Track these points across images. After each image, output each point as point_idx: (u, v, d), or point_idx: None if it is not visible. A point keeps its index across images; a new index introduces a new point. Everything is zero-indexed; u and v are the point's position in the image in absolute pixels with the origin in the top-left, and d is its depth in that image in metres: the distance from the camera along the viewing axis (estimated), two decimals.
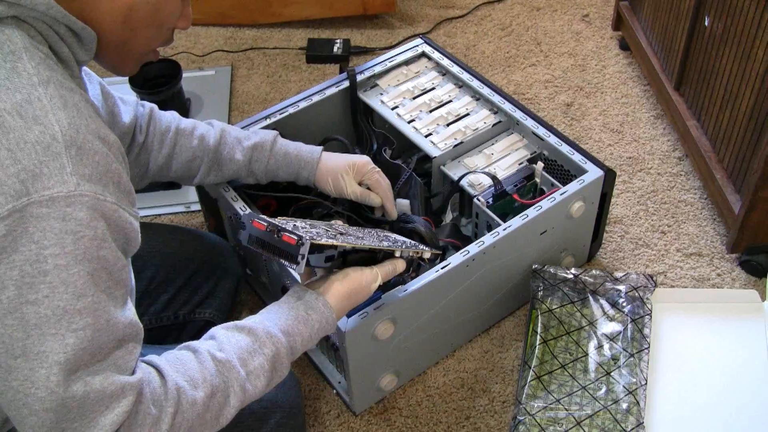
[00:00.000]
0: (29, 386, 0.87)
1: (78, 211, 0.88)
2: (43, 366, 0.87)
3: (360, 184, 1.49)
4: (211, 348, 1.05)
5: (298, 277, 1.35)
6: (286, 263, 1.10)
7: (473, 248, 1.44)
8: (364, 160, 1.50)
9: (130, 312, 0.97)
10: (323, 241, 1.12)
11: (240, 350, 1.06)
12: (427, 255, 1.34)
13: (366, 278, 1.19)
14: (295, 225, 1.14)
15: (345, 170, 1.48)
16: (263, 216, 1.14)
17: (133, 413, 0.93)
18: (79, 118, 0.93)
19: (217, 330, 1.09)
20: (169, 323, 1.52)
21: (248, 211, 1.48)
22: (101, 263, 0.91)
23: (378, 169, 1.50)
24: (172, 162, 1.45)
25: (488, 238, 1.46)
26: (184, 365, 1.02)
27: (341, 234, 1.20)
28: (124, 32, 1.04)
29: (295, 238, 1.09)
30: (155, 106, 1.47)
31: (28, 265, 0.86)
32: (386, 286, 1.41)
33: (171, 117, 1.47)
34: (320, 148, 1.51)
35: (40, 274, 0.86)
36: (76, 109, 0.93)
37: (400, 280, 1.45)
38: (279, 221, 1.14)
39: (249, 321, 1.11)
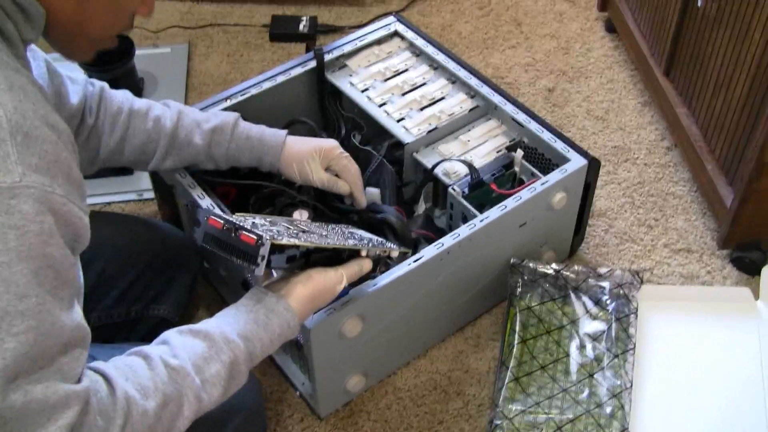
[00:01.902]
0: None
1: (23, 203, 0.87)
2: None
3: (327, 170, 1.49)
4: (163, 354, 1.04)
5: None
6: (245, 264, 1.09)
7: (448, 240, 1.45)
8: (331, 144, 1.49)
9: (77, 315, 0.95)
10: (284, 240, 1.11)
11: (195, 356, 1.05)
12: (395, 254, 1.34)
13: (330, 280, 1.20)
14: (254, 223, 1.13)
15: (311, 156, 1.47)
16: (219, 213, 1.12)
17: (77, 425, 0.90)
18: (26, 102, 0.91)
19: (171, 334, 1.08)
20: (120, 320, 1.51)
21: (205, 206, 1.47)
22: (47, 261, 0.89)
23: (346, 154, 1.50)
24: (124, 146, 1.44)
25: (464, 230, 1.46)
26: (135, 372, 1.00)
27: (303, 232, 1.20)
28: (77, 15, 1.03)
29: (255, 237, 1.08)
30: (106, 85, 1.46)
31: None
32: (353, 284, 1.41)
33: (123, 97, 1.45)
34: (285, 132, 1.51)
35: None
36: (22, 92, 0.92)
37: (367, 277, 1.45)
38: (237, 218, 1.13)
39: (205, 325, 1.10)
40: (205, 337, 1.08)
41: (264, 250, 1.08)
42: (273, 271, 1.24)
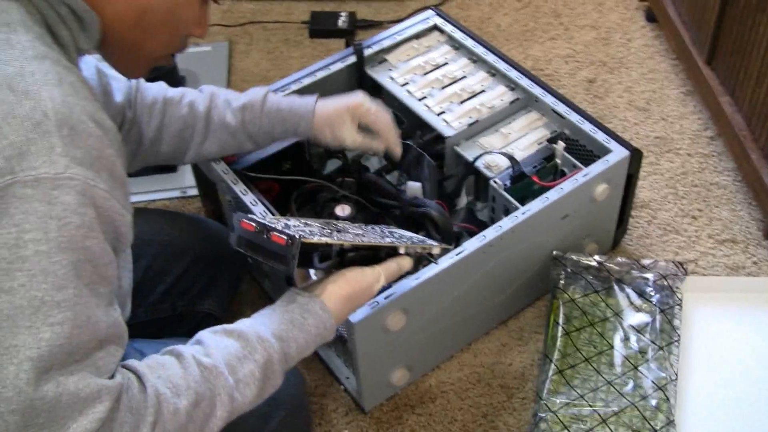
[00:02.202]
0: None
1: (65, 194, 0.87)
2: (13, 362, 0.85)
3: (360, 127, 1.50)
4: (196, 353, 1.03)
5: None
6: (277, 265, 1.08)
7: (490, 233, 1.45)
8: (358, 99, 1.49)
9: (115, 312, 0.96)
10: (316, 239, 1.09)
11: (228, 356, 1.04)
12: (436, 251, 1.30)
13: (367, 279, 1.17)
14: (286, 224, 1.13)
15: (341, 118, 1.48)
16: (252, 216, 1.12)
17: (108, 421, 0.90)
18: (74, 97, 0.92)
19: (205, 334, 1.07)
20: (166, 315, 1.53)
21: (248, 201, 1.49)
22: (86, 254, 0.90)
23: (374, 106, 1.50)
24: (162, 134, 1.45)
25: (506, 223, 1.46)
26: (167, 370, 0.99)
27: (338, 231, 1.19)
28: (136, 33, 1.05)
29: (285, 237, 1.07)
30: (142, 80, 1.47)
31: (6, 250, 0.85)
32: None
33: (158, 88, 1.47)
34: (314, 97, 1.49)
35: (18, 260, 0.85)
36: (72, 88, 0.93)
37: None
38: (270, 220, 1.12)
39: (239, 324, 1.09)
40: (239, 336, 1.06)
41: (294, 250, 1.06)
42: (311, 273, 1.24)
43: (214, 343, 1.05)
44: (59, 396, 0.87)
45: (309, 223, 1.20)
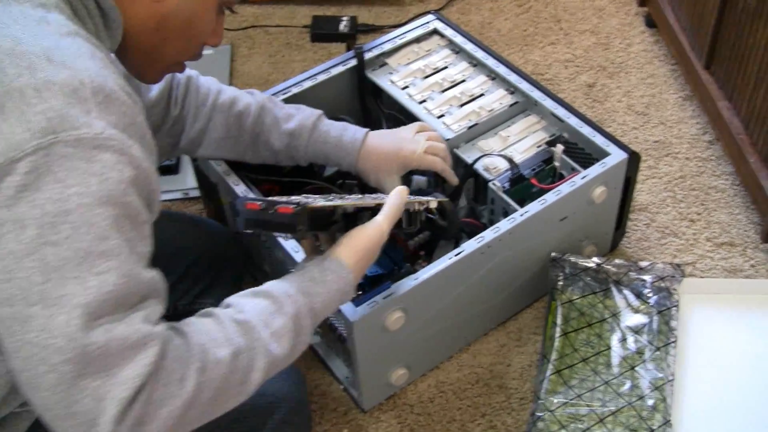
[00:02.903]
0: (46, 336, 0.87)
1: (104, 153, 0.91)
2: (63, 311, 0.87)
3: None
4: (229, 312, 1.07)
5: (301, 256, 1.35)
6: (287, 235, 1.13)
7: (488, 234, 1.47)
8: (410, 147, 1.52)
9: (154, 272, 0.99)
10: (320, 203, 1.14)
11: (260, 312, 1.07)
12: (433, 204, 1.33)
13: (373, 230, 1.20)
14: (289, 199, 1.17)
15: (389, 166, 1.51)
16: (254, 196, 1.16)
17: (156, 367, 0.93)
18: (106, 69, 0.96)
19: (233, 298, 1.11)
20: (167, 315, 1.54)
21: (240, 196, 1.51)
22: (126, 210, 0.93)
23: (424, 155, 1.52)
24: (203, 138, 1.49)
25: (504, 224, 1.48)
26: (204, 326, 1.02)
27: (341, 199, 1.24)
28: (154, 39, 1.09)
29: (292, 206, 1.12)
30: (194, 74, 1.50)
31: (51, 204, 0.87)
32: (396, 276, 1.44)
33: (209, 88, 1.50)
34: (364, 134, 1.51)
35: (62, 213, 0.88)
36: (102, 62, 0.97)
37: (411, 269, 1.48)
38: (271, 199, 1.16)
39: (264, 286, 1.13)
40: (266, 295, 1.10)
41: (303, 215, 1.11)
42: (316, 243, 1.27)
43: (244, 303, 1.09)
44: (109, 342, 0.89)
45: (309, 196, 1.25)
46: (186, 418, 0.96)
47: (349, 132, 1.52)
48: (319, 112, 1.54)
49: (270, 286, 1.12)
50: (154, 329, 0.94)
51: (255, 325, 1.05)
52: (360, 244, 1.19)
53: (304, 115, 1.52)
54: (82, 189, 0.89)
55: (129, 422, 0.90)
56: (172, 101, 1.46)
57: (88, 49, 0.96)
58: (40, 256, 0.87)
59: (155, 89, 1.43)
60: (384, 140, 1.53)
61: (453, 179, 1.57)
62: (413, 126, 1.58)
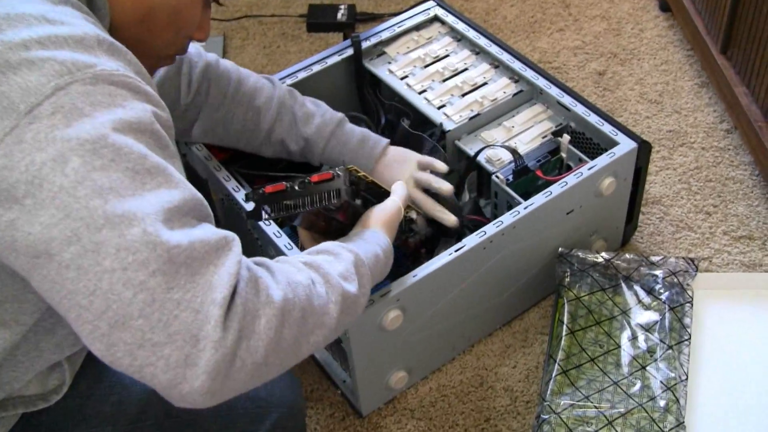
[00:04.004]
0: (125, 255, 0.88)
1: (122, 89, 0.94)
2: (134, 224, 0.88)
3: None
4: (289, 258, 1.10)
5: None
6: (332, 202, 1.19)
7: (490, 229, 1.48)
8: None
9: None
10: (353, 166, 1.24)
11: (322, 259, 1.11)
12: (413, 215, 1.45)
13: (390, 204, 1.30)
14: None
15: (400, 176, 1.55)
16: (263, 184, 1.22)
17: (244, 275, 0.95)
18: (102, 32, 0.99)
19: (282, 258, 1.13)
20: None
21: (240, 197, 1.53)
22: (156, 139, 0.95)
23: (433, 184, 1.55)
24: (219, 129, 1.56)
25: (507, 218, 1.49)
26: (267, 263, 1.05)
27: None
28: (141, 31, 1.11)
29: (329, 173, 1.19)
30: (213, 60, 1.54)
31: (85, 134, 0.89)
32: (394, 275, 1.45)
33: (228, 77, 1.54)
34: (382, 147, 1.57)
35: (99, 140, 0.89)
36: (97, 27, 1.00)
37: (410, 267, 1.49)
38: (273, 176, 1.22)
39: (311, 248, 1.17)
40: (320, 251, 1.15)
41: (344, 177, 1.20)
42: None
43: (299, 257, 1.12)
44: (192, 244, 0.91)
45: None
46: (280, 341, 0.97)
47: (368, 144, 1.57)
48: (339, 116, 1.58)
49: (318, 246, 1.17)
50: (228, 232, 0.96)
51: (321, 263, 1.09)
52: (382, 216, 1.28)
53: (324, 120, 1.57)
54: (111, 118, 0.91)
55: (234, 328, 0.91)
56: (183, 88, 1.50)
57: (80, 15, 0.99)
58: (91, 182, 0.88)
59: (157, 75, 1.47)
60: (398, 151, 1.59)
61: (449, 218, 1.55)
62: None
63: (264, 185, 1.24)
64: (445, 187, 1.51)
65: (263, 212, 1.24)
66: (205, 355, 0.89)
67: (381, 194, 1.33)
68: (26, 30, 0.92)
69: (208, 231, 0.94)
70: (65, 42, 0.93)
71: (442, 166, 1.55)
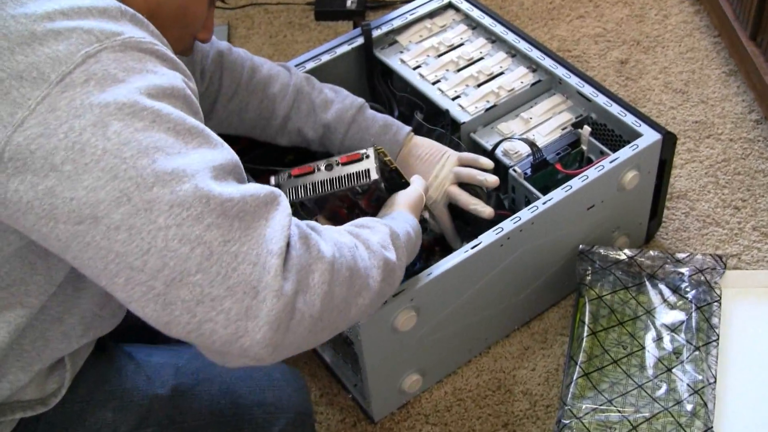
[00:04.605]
0: (179, 210, 0.90)
1: (151, 55, 0.96)
2: (185, 180, 0.91)
3: None
4: (328, 226, 1.12)
5: None
6: (360, 182, 1.24)
7: (507, 225, 1.48)
8: (450, 153, 1.58)
9: None
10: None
11: (360, 231, 1.14)
12: (426, 214, 1.50)
13: (413, 190, 1.33)
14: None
15: (425, 172, 1.56)
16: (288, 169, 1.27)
17: (295, 228, 0.98)
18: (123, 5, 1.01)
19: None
20: None
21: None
22: (189, 105, 0.98)
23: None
24: (234, 118, 1.57)
25: (525, 214, 1.49)
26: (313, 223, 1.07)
27: None
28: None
29: (357, 153, 1.24)
30: (226, 48, 1.56)
31: (122, 97, 0.91)
32: (407, 275, 1.45)
33: (242, 65, 1.56)
34: (406, 133, 1.58)
35: (136, 103, 0.92)
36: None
37: (423, 265, 1.49)
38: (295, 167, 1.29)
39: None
40: (355, 224, 1.17)
41: (373, 156, 1.24)
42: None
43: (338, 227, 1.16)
44: (244, 197, 0.94)
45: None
46: (333, 298, 1.00)
47: (390, 131, 1.57)
48: (360, 102, 1.58)
49: (353, 222, 1.19)
50: (274, 189, 0.99)
51: (360, 232, 1.12)
52: (407, 200, 1.31)
53: (344, 105, 1.57)
54: (145, 84, 0.93)
55: (292, 279, 0.95)
56: (197, 78, 1.51)
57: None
58: (136, 143, 0.91)
59: None
60: (425, 144, 1.59)
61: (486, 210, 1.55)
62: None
63: (288, 168, 1.28)
64: (491, 179, 1.53)
65: (290, 196, 1.28)
66: (267, 306, 0.92)
67: (401, 185, 1.35)
68: (48, 2, 0.94)
69: (255, 186, 0.97)
70: (89, 12, 0.95)
71: (487, 162, 1.56)
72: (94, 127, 0.89)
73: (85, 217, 0.89)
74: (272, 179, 1.32)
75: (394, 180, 1.34)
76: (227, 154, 0.98)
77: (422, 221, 1.48)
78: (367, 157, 1.28)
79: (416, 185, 1.36)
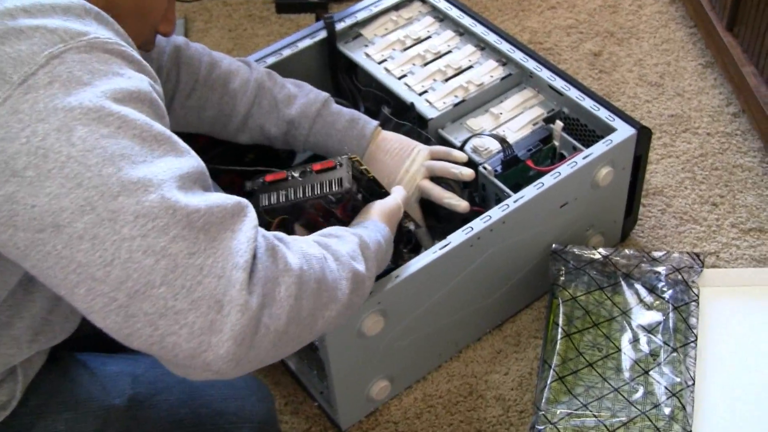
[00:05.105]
0: (144, 221, 0.91)
1: (117, 57, 0.97)
2: (150, 190, 0.91)
3: None
4: (296, 238, 1.12)
5: None
6: (336, 189, 1.25)
7: (477, 224, 1.49)
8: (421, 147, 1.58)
9: None
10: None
11: (328, 241, 1.14)
12: (411, 226, 1.49)
13: (391, 200, 1.34)
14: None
15: (395, 168, 1.57)
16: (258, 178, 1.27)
17: (261, 240, 0.99)
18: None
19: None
20: None
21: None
22: (156, 109, 0.99)
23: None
24: (192, 117, 1.57)
25: (495, 212, 1.50)
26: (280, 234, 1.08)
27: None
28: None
29: (330, 160, 1.25)
30: (183, 43, 1.56)
31: (88, 101, 0.91)
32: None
33: (200, 60, 1.56)
34: (373, 127, 1.58)
35: (102, 108, 0.92)
36: None
37: (391, 266, 1.50)
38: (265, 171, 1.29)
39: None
40: (323, 234, 1.18)
41: (347, 165, 1.25)
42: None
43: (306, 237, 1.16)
44: (210, 208, 0.94)
45: None
46: (300, 310, 1.01)
47: (357, 126, 1.57)
48: (324, 96, 1.58)
49: (322, 230, 1.20)
50: (241, 199, 1.00)
51: (329, 243, 1.13)
52: (382, 209, 1.32)
53: (308, 100, 1.57)
54: (111, 87, 0.94)
55: (258, 293, 0.95)
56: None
57: None
58: (102, 150, 0.91)
59: None
60: (394, 138, 1.59)
61: (461, 204, 1.56)
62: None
63: (263, 174, 1.29)
64: (467, 171, 1.54)
65: (263, 203, 1.30)
66: (231, 320, 0.93)
67: (380, 194, 1.36)
68: (9, 1, 0.94)
69: (222, 196, 0.97)
70: (52, 10, 0.95)
71: (461, 155, 1.57)
72: (58, 132, 0.89)
73: (47, 225, 0.89)
74: (247, 185, 1.33)
75: (372, 189, 1.35)
76: (193, 161, 0.98)
77: (408, 232, 1.50)
78: (341, 165, 1.29)
79: (394, 195, 1.37)
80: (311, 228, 1.35)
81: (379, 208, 1.32)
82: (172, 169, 0.94)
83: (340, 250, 1.13)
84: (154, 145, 0.94)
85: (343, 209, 1.32)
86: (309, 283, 1.02)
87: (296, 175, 1.30)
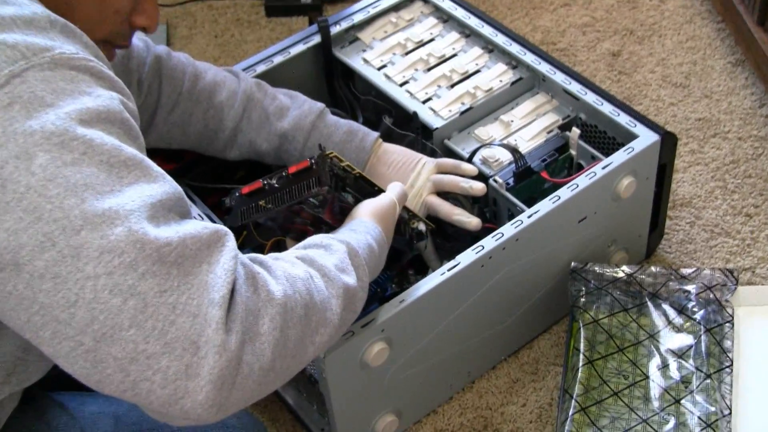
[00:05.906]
0: (111, 257, 0.89)
1: (84, 74, 0.96)
2: (117, 223, 0.90)
3: None
4: (280, 255, 1.12)
5: None
6: (313, 190, 1.25)
7: (489, 242, 1.48)
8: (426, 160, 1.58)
9: None
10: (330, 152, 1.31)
11: (314, 254, 1.13)
12: (421, 227, 1.48)
13: (385, 198, 1.34)
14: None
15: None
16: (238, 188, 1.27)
17: (241, 272, 0.98)
18: (51, 12, 1.01)
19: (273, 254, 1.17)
20: None
21: (195, 214, 1.54)
22: (127, 129, 0.98)
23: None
24: (176, 132, 1.57)
25: (508, 229, 1.50)
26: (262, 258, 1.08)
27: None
28: (59, 3, 1.10)
29: (306, 160, 1.26)
30: (165, 53, 1.55)
31: (51, 124, 0.91)
32: (378, 300, 1.45)
33: (183, 71, 1.56)
34: (373, 139, 1.58)
35: (66, 132, 0.91)
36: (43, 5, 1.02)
37: (396, 291, 1.50)
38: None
39: (300, 243, 1.20)
40: (308, 245, 1.17)
41: (323, 163, 1.26)
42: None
43: (291, 252, 1.15)
44: (184, 240, 0.93)
45: None
46: (286, 342, 1.00)
47: (356, 138, 1.58)
48: (320, 107, 1.59)
49: (304, 241, 1.20)
50: (219, 226, 1.00)
51: (314, 257, 1.12)
52: (372, 207, 1.31)
53: (302, 111, 1.57)
54: (77, 107, 0.93)
55: (237, 330, 0.94)
56: (134, 89, 1.50)
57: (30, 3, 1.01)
58: (63, 179, 0.90)
59: None
60: (397, 150, 1.60)
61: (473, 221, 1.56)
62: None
63: (239, 188, 1.29)
64: (477, 186, 1.54)
65: (243, 218, 1.30)
66: (209, 363, 0.92)
67: (373, 193, 1.36)
68: None
69: (198, 226, 0.96)
70: (13, 23, 0.94)
71: (470, 168, 1.57)
72: (17, 159, 0.89)
73: (6, 263, 0.89)
74: (225, 201, 1.32)
75: (361, 188, 1.35)
76: (168, 187, 0.97)
77: (418, 233, 1.47)
78: (316, 163, 1.29)
79: (388, 192, 1.36)
80: (302, 240, 1.36)
81: (369, 207, 1.32)
82: (142, 197, 0.93)
83: (326, 264, 1.12)
84: (123, 171, 0.94)
85: (331, 213, 1.31)
86: (295, 309, 1.01)
87: (273, 182, 1.30)
